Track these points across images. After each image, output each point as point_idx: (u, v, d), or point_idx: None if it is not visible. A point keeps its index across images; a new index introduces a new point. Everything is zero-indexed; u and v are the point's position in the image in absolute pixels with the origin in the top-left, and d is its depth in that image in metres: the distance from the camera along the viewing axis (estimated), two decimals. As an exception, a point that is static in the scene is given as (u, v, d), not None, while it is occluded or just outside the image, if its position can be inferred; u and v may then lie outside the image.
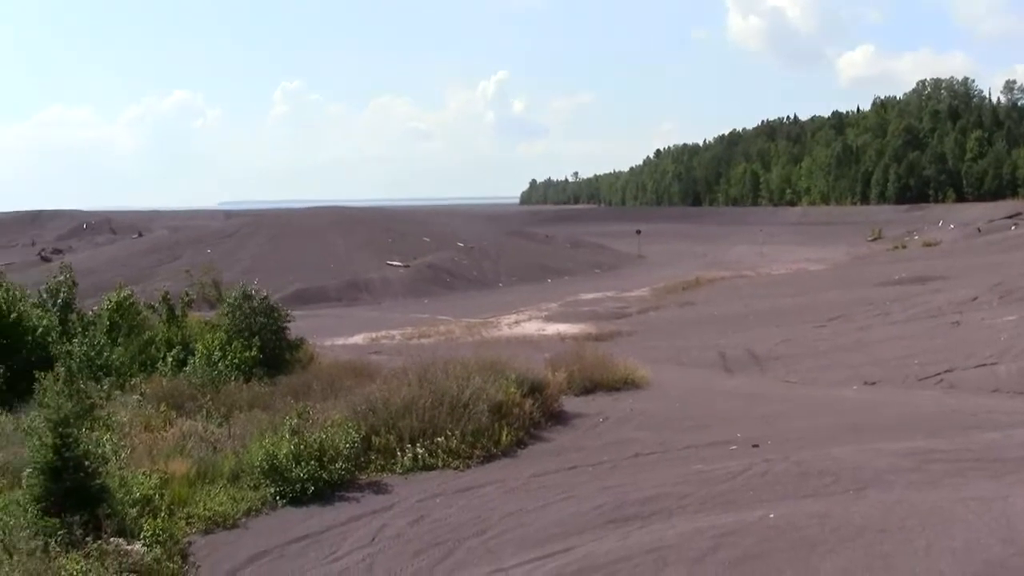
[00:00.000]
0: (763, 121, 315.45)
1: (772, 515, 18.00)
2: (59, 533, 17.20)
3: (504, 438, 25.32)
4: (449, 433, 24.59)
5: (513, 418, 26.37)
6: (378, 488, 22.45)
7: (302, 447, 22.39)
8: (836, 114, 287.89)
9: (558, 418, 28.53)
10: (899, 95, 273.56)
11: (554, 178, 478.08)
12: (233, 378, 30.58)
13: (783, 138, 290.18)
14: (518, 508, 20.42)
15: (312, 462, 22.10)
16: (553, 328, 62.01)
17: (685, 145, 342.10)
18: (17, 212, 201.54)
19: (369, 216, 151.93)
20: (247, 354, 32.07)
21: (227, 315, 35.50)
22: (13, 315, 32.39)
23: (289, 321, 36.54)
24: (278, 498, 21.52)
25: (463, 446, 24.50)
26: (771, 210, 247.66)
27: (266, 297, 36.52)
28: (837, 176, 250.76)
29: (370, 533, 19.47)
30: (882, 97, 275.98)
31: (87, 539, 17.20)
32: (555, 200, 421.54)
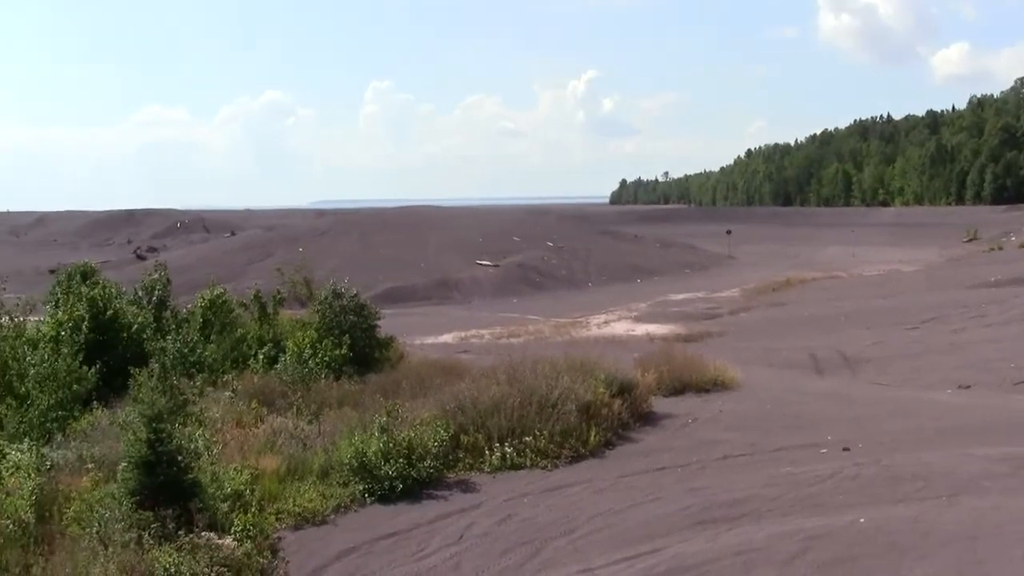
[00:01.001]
0: (855, 120, 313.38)
1: (862, 519, 17.79)
2: (152, 526, 17.50)
3: (592, 438, 25.26)
4: (537, 433, 24.59)
5: (602, 418, 26.31)
6: (466, 486, 22.53)
7: (391, 445, 22.53)
8: (930, 113, 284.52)
9: (647, 419, 28.42)
10: (996, 93, 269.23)
11: (644, 178, 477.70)
12: (323, 376, 30.84)
13: (876, 137, 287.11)
14: (606, 508, 20.39)
15: (401, 460, 22.24)
16: (642, 328, 61.80)
17: (776, 145, 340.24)
18: (113, 211, 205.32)
19: (459, 215, 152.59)
20: (337, 352, 32.31)
21: (318, 313, 35.78)
22: (109, 312, 32.94)
23: (379, 319, 36.73)
24: (367, 495, 21.69)
25: (551, 446, 24.49)
26: (863, 210, 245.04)
27: (356, 295, 36.76)
28: (931, 176, 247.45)
29: (458, 531, 19.55)
30: (978, 95, 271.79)
31: (179, 532, 17.48)
32: (645, 200, 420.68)
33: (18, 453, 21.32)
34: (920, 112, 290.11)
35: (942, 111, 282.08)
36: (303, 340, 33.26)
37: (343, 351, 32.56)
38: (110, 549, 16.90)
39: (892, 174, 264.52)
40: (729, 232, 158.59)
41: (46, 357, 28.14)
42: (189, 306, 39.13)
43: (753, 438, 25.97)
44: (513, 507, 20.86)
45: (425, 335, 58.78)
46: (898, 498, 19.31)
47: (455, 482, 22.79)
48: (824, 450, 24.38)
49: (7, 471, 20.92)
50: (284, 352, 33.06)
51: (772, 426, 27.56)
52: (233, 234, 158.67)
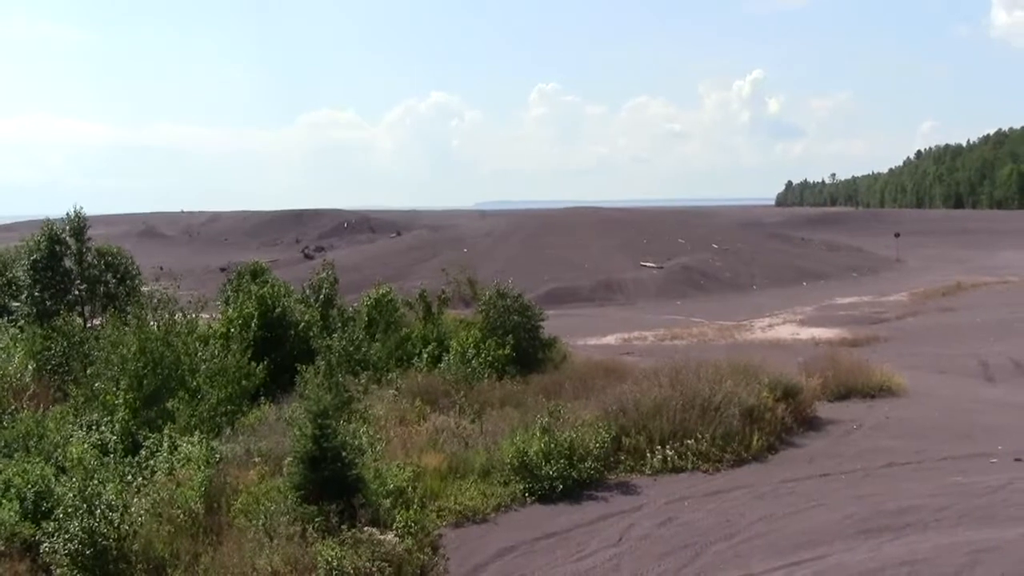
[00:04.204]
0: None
1: (1035, 533, 17.29)
2: (316, 520, 17.87)
3: (755, 442, 24.98)
4: (699, 436, 24.40)
5: (765, 422, 25.99)
6: (626, 488, 22.45)
7: (553, 445, 22.58)
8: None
9: (811, 424, 27.99)
10: None
11: (811, 180, 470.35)
12: (486, 375, 31.01)
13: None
14: (767, 514, 20.15)
15: (562, 460, 22.27)
16: (808, 332, 60.77)
17: (947, 146, 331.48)
18: (283, 211, 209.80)
19: (624, 217, 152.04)
20: (501, 352, 32.47)
21: (482, 313, 36.00)
22: (278, 310, 33.65)
23: (543, 320, 36.79)
24: (527, 495, 21.77)
25: (713, 449, 24.29)
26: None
27: (520, 296, 36.86)
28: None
29: (617, 533, 19.48)
30: None
31: (342, 527, 17.78)
32: (811, 202, 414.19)
33: (189, 445, 21.92)
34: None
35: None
36: (467, 340, 33.51)
37: (506, 351, 32.72)
38: (275, 541, 17.29)
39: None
40: (897, 235, 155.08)
41: (217, 353, 28.88)
42: (355, 305, 39.74)
43: (920, 446, 25.38)
44: (674, 510, 20.74)
45: (588, 336, 58.74)
46: (1075, 512, 18.73)
47: (616, 484, 22.74)
48: (995, 460, 23.73)
49: (178, 463, 21.53)
50: (448, 351, 33.35)
51: (940, 434, 26.88)
52: (399, 234, 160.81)
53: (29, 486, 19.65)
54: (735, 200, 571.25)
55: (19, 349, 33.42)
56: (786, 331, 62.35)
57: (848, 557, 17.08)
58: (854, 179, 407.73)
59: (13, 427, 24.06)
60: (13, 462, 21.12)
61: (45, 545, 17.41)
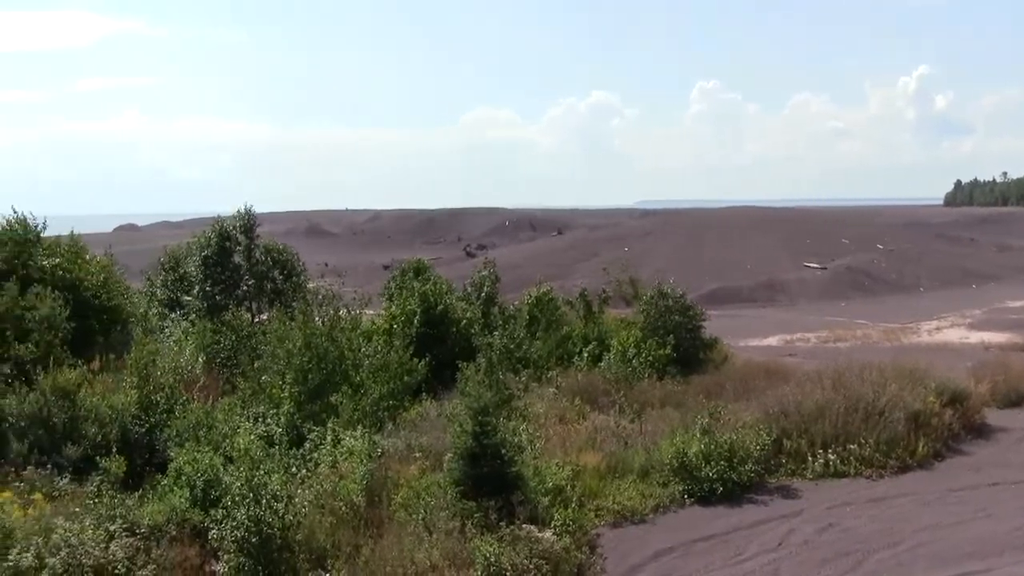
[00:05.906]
0: None
1: None
2: (475, 516, 18.10)
3: (920, 449, 24.48)
4: (862, 440, 24.05)
5: (930, 428, 25.45)
6: (787, 492, 22.25)
7: (712, 447, 22.45)
8: None
9: (979, 431, 27.33)
10: None
11: (980, 178, 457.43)
12: (646, 375, 30.94)
13: None
14: (933, 523, 19.76)
15: (722, 462, 22.15)
16: (977, 336, 59.16)
17: None
18: (444, 209, 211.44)
19: (786, 216, 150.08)
20: (661, 352, 32.34)
21: (643, 313, 35.91)
22: (440, 307, 34.03)
23: (704, 320, 36.59)
24: (686, 496, 21.71)
25: (876, 455, 23.91)
26: None
27: (682, 295, 36.73)
28: None
29: (777, 537, 19.31)
30: None
31: (500, 523, 17.95)
32: (982, 202, 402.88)
33: (352, 439, 22.27)
34: None
35: None
36: (627, 339, 33.44)
37: (667, 351, 32.59)
38: (434, 536, 17.54)
39: None
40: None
41: (380, 349, 29.28)
42: (516, 303, 39.91)
43: (1096, 457, 24.61)
44: (835, 516, 20.48)
45: (749, 337, 58.11)
46: None
47: (776, 487, 22.54)
48: None
49: (341, 456, 21.92)
50: (608, 350, 33.31)
51: (1118, 446, 26.01)
52: (560, 233, 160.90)
53: (199, 474, 20.18)
54: (899, 200, 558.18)
55: (190, 342, 34.31)
56: (954, 334, 60.86)
57: (1017, 570, 16.69)
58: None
59: (184, 417, 24.70)
60: (184, 451, 21.69)
61: (213, 532, 17.92)
